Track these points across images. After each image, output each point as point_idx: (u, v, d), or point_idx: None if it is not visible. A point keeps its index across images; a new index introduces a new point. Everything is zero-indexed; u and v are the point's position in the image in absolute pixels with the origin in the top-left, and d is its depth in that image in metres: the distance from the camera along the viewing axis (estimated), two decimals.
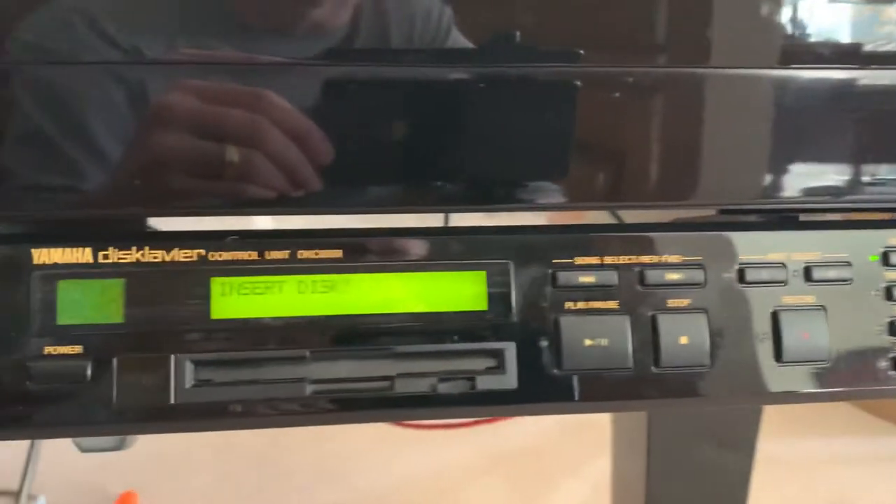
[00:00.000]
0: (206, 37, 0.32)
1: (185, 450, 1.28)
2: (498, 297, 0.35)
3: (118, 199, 0.33)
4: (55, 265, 0.32)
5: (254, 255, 0.34)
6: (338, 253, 0.34)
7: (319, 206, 0.34)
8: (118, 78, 0.32)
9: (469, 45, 0.33)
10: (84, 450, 0.35)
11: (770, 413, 0.74)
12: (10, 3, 0.31)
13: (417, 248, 0.35)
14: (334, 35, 0.33)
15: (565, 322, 0.35)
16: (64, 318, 0.32)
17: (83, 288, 0.32)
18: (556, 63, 0.34)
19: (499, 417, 1.33)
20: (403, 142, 0.34)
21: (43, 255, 0.32)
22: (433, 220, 0.38)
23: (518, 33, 0.33)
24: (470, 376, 0.34)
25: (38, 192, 0.32)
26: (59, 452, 1.13)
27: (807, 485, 1.26)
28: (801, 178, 0.37)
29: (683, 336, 0.35)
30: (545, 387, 0.34)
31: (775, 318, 0.36)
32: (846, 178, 0.37)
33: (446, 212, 0.44)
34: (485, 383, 0.34)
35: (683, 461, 0.73)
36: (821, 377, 0.36)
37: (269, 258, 0.34)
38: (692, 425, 0.72)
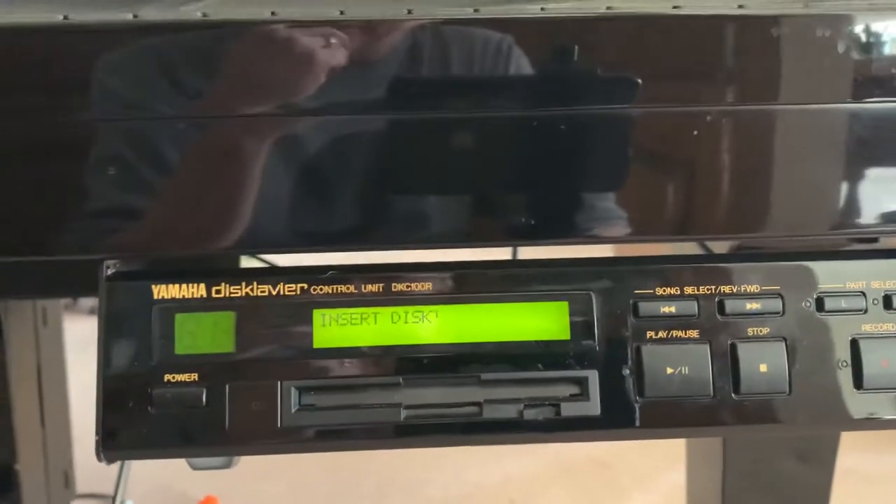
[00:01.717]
0: (273, 89, 0.34)
1: (261, 458, 1.32)
2: (580, 327, 0.36)
3: (206, 240, 0.36)
4: (173, 299, 0.35)
5: (351, 289, 0.36)
6: (428, 286, 0.37)
7: (391, 243, 0.36)
8: (198, 126, 0.34)
9: (551, 87, 0.35)
10: (195, 468, 0.38)
11: None
12: (97, 61, 0.34)
13: (502, 280, 0.37)
14: (399, 81, 0.35)
15: (647, 351, 0.36)
16: (181, 348, 0.35)
17: (198, 320, 0.35)
18: (629, 104, 0.35)
19: None
20: (474, 179, 0.36)
21: (162, 291, 0.35)
22: (500, 253, 0.40)
23: (597, 75, 0.35)
24: (555, 403, 0.36)
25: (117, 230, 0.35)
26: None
27: (886, 500, 1.23)
28: (873, 206, 0.37)
29: (763, 364, 0.36)
30: (628, 413, 0.36)
31: (855, 345, 0.37)
32: None
33: (514, 245, 0.46)
34: (569, 410, 0.36)
35: (761, 475, 0.73)
36: None
37: (365, 291, 0.36)
38: (770, 439, 0.71)
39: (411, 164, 0.36)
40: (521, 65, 0.35)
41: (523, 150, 0.36)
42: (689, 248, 0.45)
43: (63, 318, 1.04)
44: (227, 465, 0.38)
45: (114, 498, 0.98)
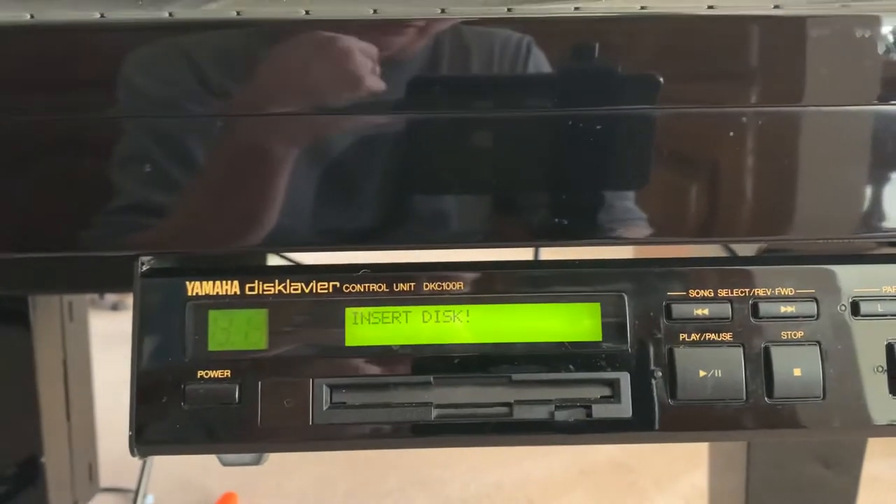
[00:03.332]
0: (306, 87, 0.34)
1: (282, 454, 1.33)
2: (612, 329, 0.36)
3: (236, 237, 0.36)
4: (207, 296, 0.36)
5: (383, 287, 0.36)
6: (459, 285, 0.37)
7: (417, 242, 0.36)
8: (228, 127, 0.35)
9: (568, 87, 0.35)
10: (225, 464, 0.38)
11: None
12: (133, 59, 0.34)
13: (534, 281, 0.37)
14: (423, 82, 0.35)
15: (679, 353, 0.36)
16: (214, 345, 0.35)
17: (231, 317, 0.36)
18: (660, 105, 0.35)
19: None
20: (499, 179, 0.36)
21: (196, 287, 0.36)
22: (522, 254, 0.39)
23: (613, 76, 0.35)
24: (586, 404, 0.35)
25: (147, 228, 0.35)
26: None
27: None
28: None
29: (796, 368, 0.36)
30: (659, 416, 0.36)
31: (890, 350, 0.36)
32: None
33: (537, 246, 0.46)
34: (600, 412, 0.35)
35: (785, 481, 0.72)
36: None
37: (396, 290, 0.36)
38: (795, 445, 0.71)
39: (439, 164, 0.36)
40: (552, 64, 0.35)
41: (550, 151, 0.36)
42: (712, 250, 0.45)
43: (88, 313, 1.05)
44: (256, 462, 0.38)
45: (136, 492, 0.99)
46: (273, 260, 0.50)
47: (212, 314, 0.36)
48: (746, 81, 0.35)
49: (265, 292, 0.36)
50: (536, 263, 0.37)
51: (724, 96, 0.36)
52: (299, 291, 0.36)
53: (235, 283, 0.36)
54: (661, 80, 0.35)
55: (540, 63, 0.34)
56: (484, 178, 0.36)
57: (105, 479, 1.14)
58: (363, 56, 0.34)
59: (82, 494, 0.95)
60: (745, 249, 0.42)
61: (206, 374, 0.35)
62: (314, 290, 0.36)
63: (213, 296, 0.36)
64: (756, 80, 0.35)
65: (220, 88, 0.34)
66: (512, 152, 0.36)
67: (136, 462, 1.07)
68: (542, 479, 1.34)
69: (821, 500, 0.72)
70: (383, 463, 1.36)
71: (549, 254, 0.40)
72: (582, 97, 0.35)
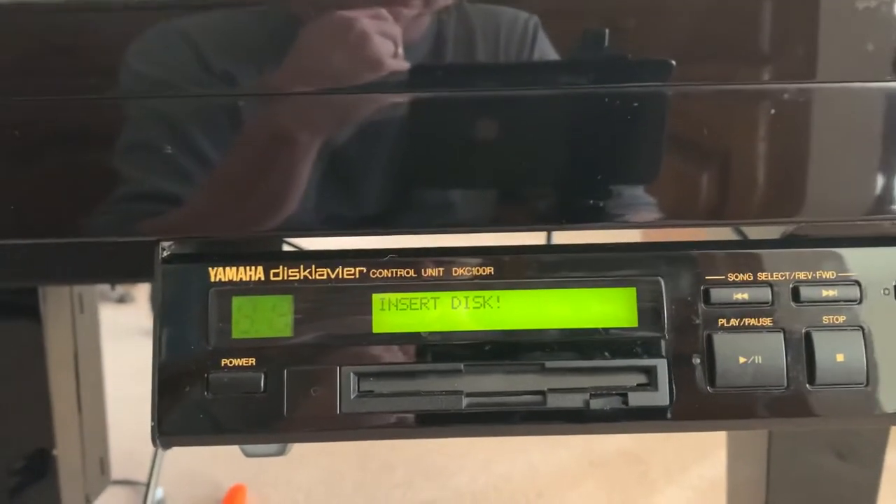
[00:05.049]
0: (297, 69, 0.33)
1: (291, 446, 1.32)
2: (649, 314, 0.35)
3: (253, 222, 0.35)
4: (230, 282, 0.35)
5: (411, 273, 0.35)
6: (489, 270, 0.35)
7: (426, 227, 0.35)
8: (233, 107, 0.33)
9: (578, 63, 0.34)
10: (248, 454, 0.37)
11: None
12: (145, 38, 0.33)
13: (567, 265, 0.36)
14: (430, 63, 0.34)
15: (718, 339, 0.35)
16: (238, 332, 0.34)
17: (255, 304, 0.35)
18: (665, 81, 0.34)
19: None
20: (512, 162, 0.35)
21: (219, 273, 0.35)
22: (533, 238, 0.38)
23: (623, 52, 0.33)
24: (622, 392, 0.34)
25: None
26: None
27: None
28: None
29: (839, 353, 0.35)
30: (698, 404, 0.35)
31: None
32: None
33: (548, 230, 0.44)
34: (637, 400, 0.34)
35: (806, 472, 0.71)
36: None
37: (425, 275, 0.35)
38: (816, 436, 0.70)
39: (454, 147, 0.35)
40: (561, 41, 0.33)
41: (567, 132, 0.35)
42: (725, 233, 0.43)
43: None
44: (280, 452, 0.37)
45: (147, 485, 0.98)
46: (288, 248, 0.49)
47: (235, 301, 0.34)
48: (774, 55, 0.34)
49: (290, 278, 0.35)
50: (568, 248, 0.36)
51: (746, 71, 0.34)
52: (325, 277, 0.35)
53: (259, 268, 0.35)
54: (683, 56, 0.33)
55: (548, 40, 0.33)
56: (495, 162, 0.35)
57: (115, 471, 1.14)
58: (378, 34, 0.33)
59: (94, 487, 0.94)
60: (767, 233, 0.41)
61: (231, 362, 0.34)
62: (340, 276, 0.35)
63: (236, 282, 0.35)
64: (790, 53, 0.34)
65: (236, 69, 0.33)
66: (526, 133, 0.34)
67: (146, 455, 1.06)
68: (552, 471, 1.34)
69: (841, 492, 0.72)
70: (392, 455, 1.36)
71: (561, 238, 0.39)
72: (596, 74, 0.34)
